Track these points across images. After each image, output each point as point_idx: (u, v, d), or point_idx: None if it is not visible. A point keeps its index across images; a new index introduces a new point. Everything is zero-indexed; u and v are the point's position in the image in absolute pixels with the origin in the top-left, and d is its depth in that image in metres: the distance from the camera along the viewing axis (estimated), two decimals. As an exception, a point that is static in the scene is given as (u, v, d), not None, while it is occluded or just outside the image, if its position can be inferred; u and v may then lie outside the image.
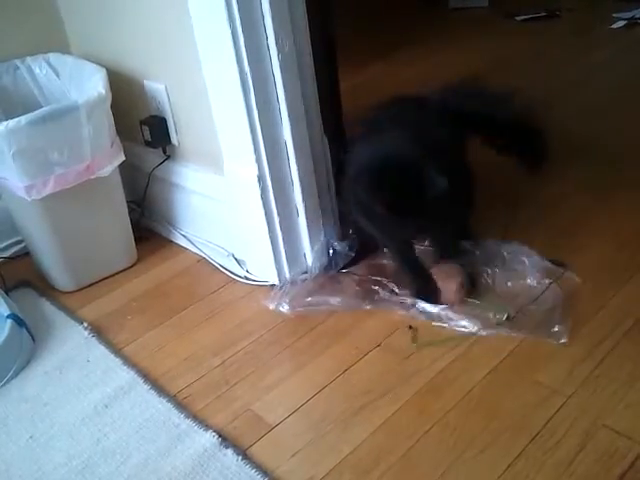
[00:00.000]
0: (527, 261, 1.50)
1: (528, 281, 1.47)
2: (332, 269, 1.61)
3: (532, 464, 1.10)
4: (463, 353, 1.34)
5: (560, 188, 1.84)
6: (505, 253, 1.53)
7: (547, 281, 1.45)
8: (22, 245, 1.83)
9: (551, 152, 1.55)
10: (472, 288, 1.47)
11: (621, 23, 3.05)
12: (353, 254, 1.61)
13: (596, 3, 3.41)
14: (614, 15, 3.12)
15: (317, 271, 1.60)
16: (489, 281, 1.49)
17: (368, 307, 1.49)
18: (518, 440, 1.14)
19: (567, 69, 2.68)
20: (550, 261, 1.50)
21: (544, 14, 3.31)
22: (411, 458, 1.15)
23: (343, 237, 1.64)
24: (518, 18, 3.33)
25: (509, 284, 1.47)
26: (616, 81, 2.51)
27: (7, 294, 1.64)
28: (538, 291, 1.43)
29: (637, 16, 3.08)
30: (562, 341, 1.32)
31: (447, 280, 1.46)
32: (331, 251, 1.62)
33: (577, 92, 2.47)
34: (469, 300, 1.45)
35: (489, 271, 1.50)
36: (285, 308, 1.52)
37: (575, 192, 1.82)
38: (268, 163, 1.48)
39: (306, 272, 1.61)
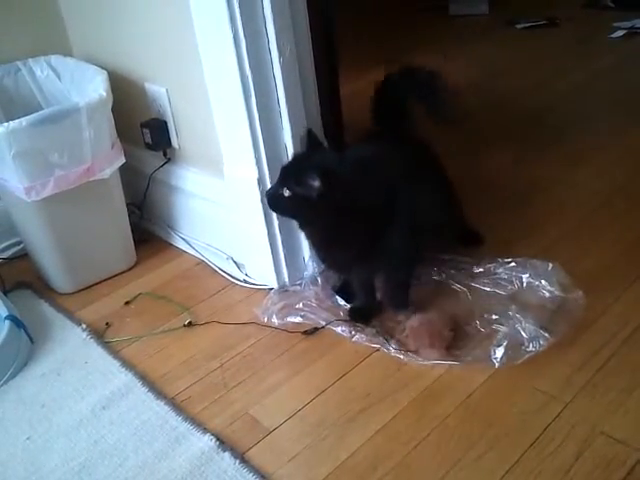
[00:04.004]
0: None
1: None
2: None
3: (530, 470, 1.10)
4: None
5: (557, 193, 1.86)
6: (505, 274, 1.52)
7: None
8: (21, 246, 1.83)
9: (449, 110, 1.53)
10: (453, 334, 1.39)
11: (621, 32, 3.06)
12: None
13: (596, 12, 3.42)
14: (614, 24, 3.12)
15: (314, 276, 1.60)
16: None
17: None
18: (516, 446, 1.14)
19: (566, 77, 2.68)
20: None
21: (544, 22, 3.32)
22: (409, 464, 1.14)
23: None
24: (518, 26, 3.34)
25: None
26: (614, 90, 2.52)
27: (6, 295, 1.64)
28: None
29: (637, 26, 3.08)
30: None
31: (424, 337, 1.37)
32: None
33: (575, 100, 2.49)
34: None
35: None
36: (275, 321, 1.51)
37: (577, 198, 1.84)
38: (268, 167, 1.48)
39: (303, 277, 1.60)
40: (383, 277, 1.49)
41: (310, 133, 1.37)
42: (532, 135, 2.24)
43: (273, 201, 1.35)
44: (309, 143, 1.37)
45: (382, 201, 1.34)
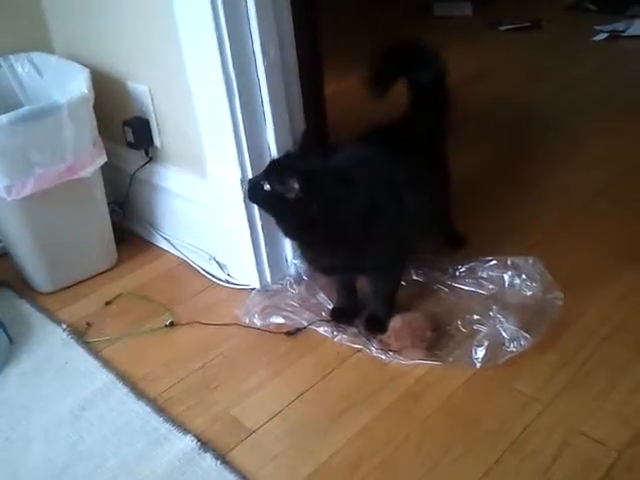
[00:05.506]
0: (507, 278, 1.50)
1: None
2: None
3: (509, 471, 1.11)
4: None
5: (539, 193, 1.88)
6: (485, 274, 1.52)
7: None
8: (0, 245, 1.81)
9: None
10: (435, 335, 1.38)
11: (603, 35, 3.08)
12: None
13: (578, 15, 3.45)
14: (596, 27, 3.15)
15: (297, 276, 1.60)
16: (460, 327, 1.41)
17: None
18: (496, 447, 1.15)
19: (549, 79, 2.70)
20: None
21: (527, 25, 3.34)
22: (390, 464, 1.15)
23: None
24: (501, 28, 3.35)
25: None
26: (597, 92, 2.54)
27: (-15, 294, 1.63)
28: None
29: (618, 29, 3.11)
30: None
31: (406, 337, 1.37)
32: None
33: (558, 101, 2.51)
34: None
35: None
36: (257, 322, 1.50)
37: (555, 197, 1.85)
38: (251, 166, 1.48)
39: (286, 277, 1.60)
40: (369, 285, 1.48)
41: (305, 135, 1.37)
42: (515, 136, 2.25)
43: (252, 191, 1.35)
44: (303, 144, 1.36)
45: (363, 212, 1.31)
